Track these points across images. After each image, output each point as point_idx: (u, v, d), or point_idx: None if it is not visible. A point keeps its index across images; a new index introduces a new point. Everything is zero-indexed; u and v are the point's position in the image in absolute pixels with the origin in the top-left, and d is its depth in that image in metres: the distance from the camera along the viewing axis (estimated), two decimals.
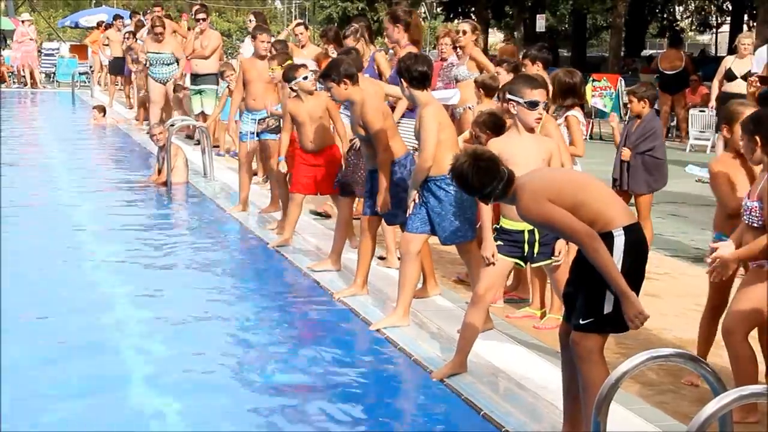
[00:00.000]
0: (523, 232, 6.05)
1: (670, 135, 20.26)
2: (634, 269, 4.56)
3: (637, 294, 4.63)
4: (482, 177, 4.60)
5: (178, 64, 17.15)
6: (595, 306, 4.54)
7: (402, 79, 6.84)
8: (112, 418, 5.37)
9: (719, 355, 6.34)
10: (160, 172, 12.92)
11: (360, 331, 6.95)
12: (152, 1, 19.80)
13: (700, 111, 18.54)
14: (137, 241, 9.72)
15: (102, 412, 5.44)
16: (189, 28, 18.16)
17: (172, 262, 8.97)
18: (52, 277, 8.32)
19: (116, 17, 25.01)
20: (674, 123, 20.65)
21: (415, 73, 6.72)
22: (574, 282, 4.72)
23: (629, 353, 6.28)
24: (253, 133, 10.82)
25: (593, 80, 20.85)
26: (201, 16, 16.25)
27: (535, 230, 6.02)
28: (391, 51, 9.79)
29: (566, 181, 4.76)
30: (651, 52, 39.97)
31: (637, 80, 24.24)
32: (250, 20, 15.12)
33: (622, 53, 30.98)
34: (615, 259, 4.48)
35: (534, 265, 6.55)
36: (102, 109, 20.84)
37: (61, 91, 29.59)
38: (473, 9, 39.85)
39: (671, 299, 7.81)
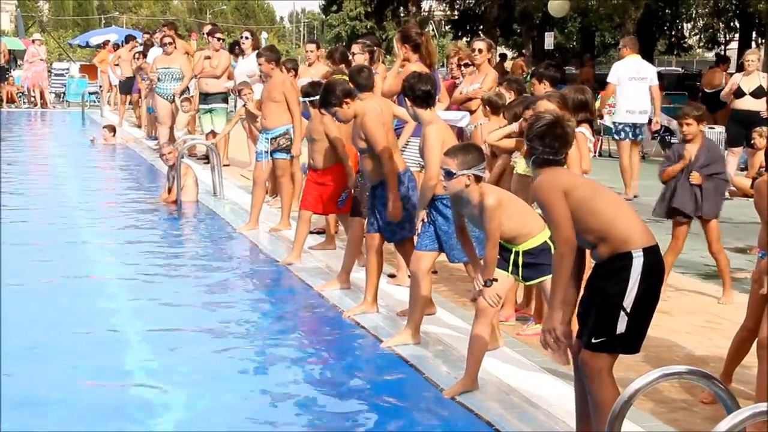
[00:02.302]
0: (511, 251, 6.08)
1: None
2: (650, 292, 4.56)
3: (651, 315, 4.61)
4: (546, 135, 4.65)
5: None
6: (607, 325, 4.53)
7: (406, 98, 6.91)
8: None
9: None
10: (170, 191, 12.93)
11: (370, 348, 6.94)
12: (162, 21, 19.88)
13: (709, 128, 18.51)
14: (147, 260, 9.73)
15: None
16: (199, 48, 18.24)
17: (182, 281, 8.97)
18: (60, 295, 8.32)
19: (128, 37, 25.08)
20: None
21: (419, 92, 6.81)
22: (587, 301, 4.71)
23: (640, 370, 6.29)
24: (268, 152, 10.83)
25: (602, 98, 20.80)
26: (219, 35, 16.44)
27: (521, 253, 6.05)
28: (400, 70, 9.80)
29: (591, 187, 4.74)
30: (660, 69, 39.94)
31: None
32: (246, 37, 15.05)
33: None
34: (632, 281, 4.48)
35: (527, 284, 6.63)
36: (112, 129, 20.88)
37: (71, 111, 29.69)
38: (481, 27, 39.91)
39: (682, 316, 7.79)
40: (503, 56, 27.73)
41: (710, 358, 6.71)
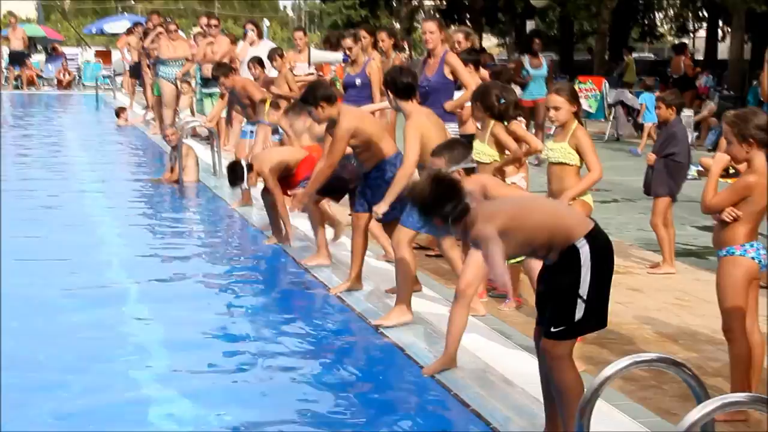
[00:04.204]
0: None
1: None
2: (603, 271, 4.27)
3: (608, 291, 4.33)
4: (440, 200, 4.24)
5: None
6: (566, 314, 4.24)
7: (388, 91, 6.76)
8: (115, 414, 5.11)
9: (698, 350, 6.10)
10: (172, 170, 12.69)
11: (353, 325, 6.67)
12: (174, 9, 19.65)
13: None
14: (148, 235, 9.60)
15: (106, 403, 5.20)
16: (197, 35, 17.93)
17: (180, 254, 8.75)
18: (68, 269, 8.07)
19: (136, 24, 24.71)
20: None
21: (401, 85, 6.69)
22: (542, 296, 4.43)
23: (612, 347, 6.04)
24: (252, 132, 10.64)
25: (579, 82, 20.56)
26: (214, 22, 16.21)
27: None
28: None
29: (518, 207, 4.42)
30: (634, 56, 39.64)
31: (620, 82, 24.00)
32: (251, 29, 14.81)
33: (606, 56, 30.62)
34: (584, 270, 4.18)
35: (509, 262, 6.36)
36: (122, 110, 20.62)
37: (86, 94, 29.40)
38: (468, 15, 39.55)
39: (652, 293, 7.52)
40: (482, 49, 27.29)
41: (680, 335, 6.45)
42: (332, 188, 7.95)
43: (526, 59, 15.29)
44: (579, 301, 4.20)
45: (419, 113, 6.72)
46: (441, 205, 4.23)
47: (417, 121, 6.56)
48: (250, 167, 9.00)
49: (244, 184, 9.22)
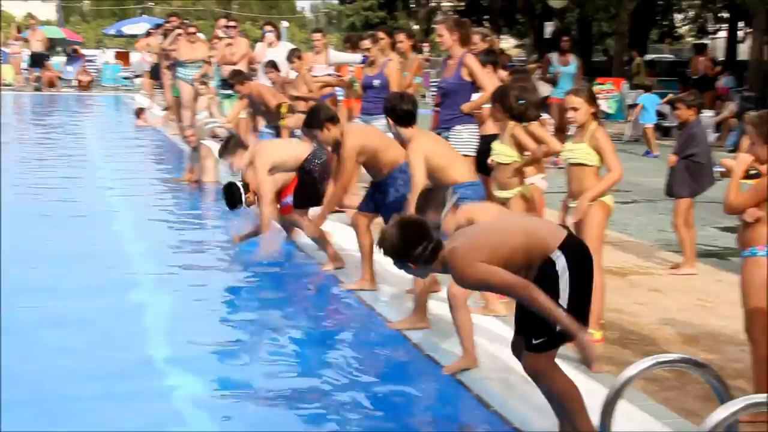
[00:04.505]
0: None
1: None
2: (581, 277, 4.24)
3: (589, 294, 4.30)
4: (413, 242, 4.22)
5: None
6: (546, 325, 4.19)
7: (388, 118, 6.75)
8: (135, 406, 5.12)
9: (719, 351, 6.07)
10: (191, 171, 12.70)
11: (373, 325, 6.65)
12: (192, 11, 19.69)
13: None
14: (167, 234, 9.63)
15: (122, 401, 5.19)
16: (213, 38, 17.98)
17: (199, 252, 8.83)
18: (82, 269, 8.06)
19: (157, 26, 24.82)
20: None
21: (400, 112, 6.68)
22: (523, 308, 4.36)
23: (634, 348, 6.01)
24: (270, 134, 10.69)
25: (598, 83, 20.51)
26: (232, 23, 16.26)
27: None
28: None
29: (493, 234, 4.36)
30: (653, 56, 39.45)
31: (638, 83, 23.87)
32: (269, 30, 14.92)
33: (625, 58, 30.47)
34: (563, 281, 4.16)
35: None
36: (142, 111, 20.70)
37: (106, 95, 29.52)
38: (487, 17, 39.48)
39: (674, 294, 7.48)
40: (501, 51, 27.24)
41: (701, 336, 6.41)
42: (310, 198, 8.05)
43: (554, 56, 15.29)
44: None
45: (419, 136, 6.70)
46: (411, 248, 4.23)
47: (417, 144, 6.56)
48: (246, 187, 8.87)
49: (243, 205, 9.16)
